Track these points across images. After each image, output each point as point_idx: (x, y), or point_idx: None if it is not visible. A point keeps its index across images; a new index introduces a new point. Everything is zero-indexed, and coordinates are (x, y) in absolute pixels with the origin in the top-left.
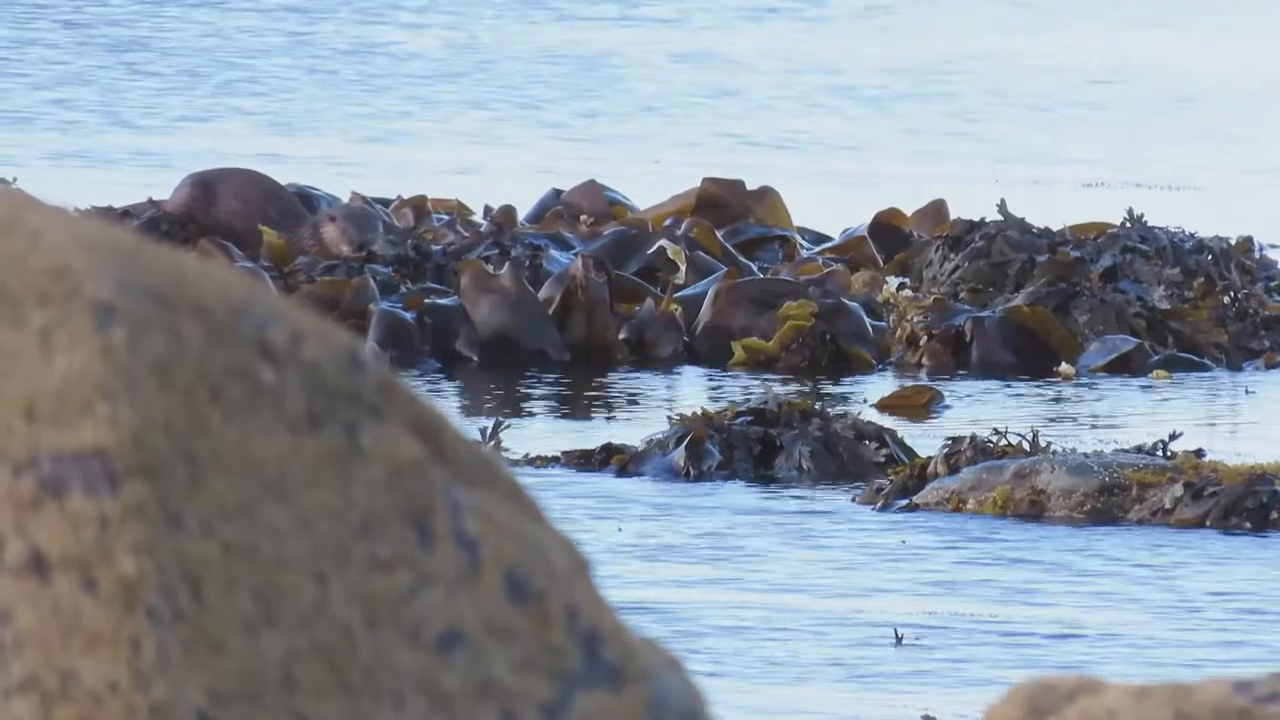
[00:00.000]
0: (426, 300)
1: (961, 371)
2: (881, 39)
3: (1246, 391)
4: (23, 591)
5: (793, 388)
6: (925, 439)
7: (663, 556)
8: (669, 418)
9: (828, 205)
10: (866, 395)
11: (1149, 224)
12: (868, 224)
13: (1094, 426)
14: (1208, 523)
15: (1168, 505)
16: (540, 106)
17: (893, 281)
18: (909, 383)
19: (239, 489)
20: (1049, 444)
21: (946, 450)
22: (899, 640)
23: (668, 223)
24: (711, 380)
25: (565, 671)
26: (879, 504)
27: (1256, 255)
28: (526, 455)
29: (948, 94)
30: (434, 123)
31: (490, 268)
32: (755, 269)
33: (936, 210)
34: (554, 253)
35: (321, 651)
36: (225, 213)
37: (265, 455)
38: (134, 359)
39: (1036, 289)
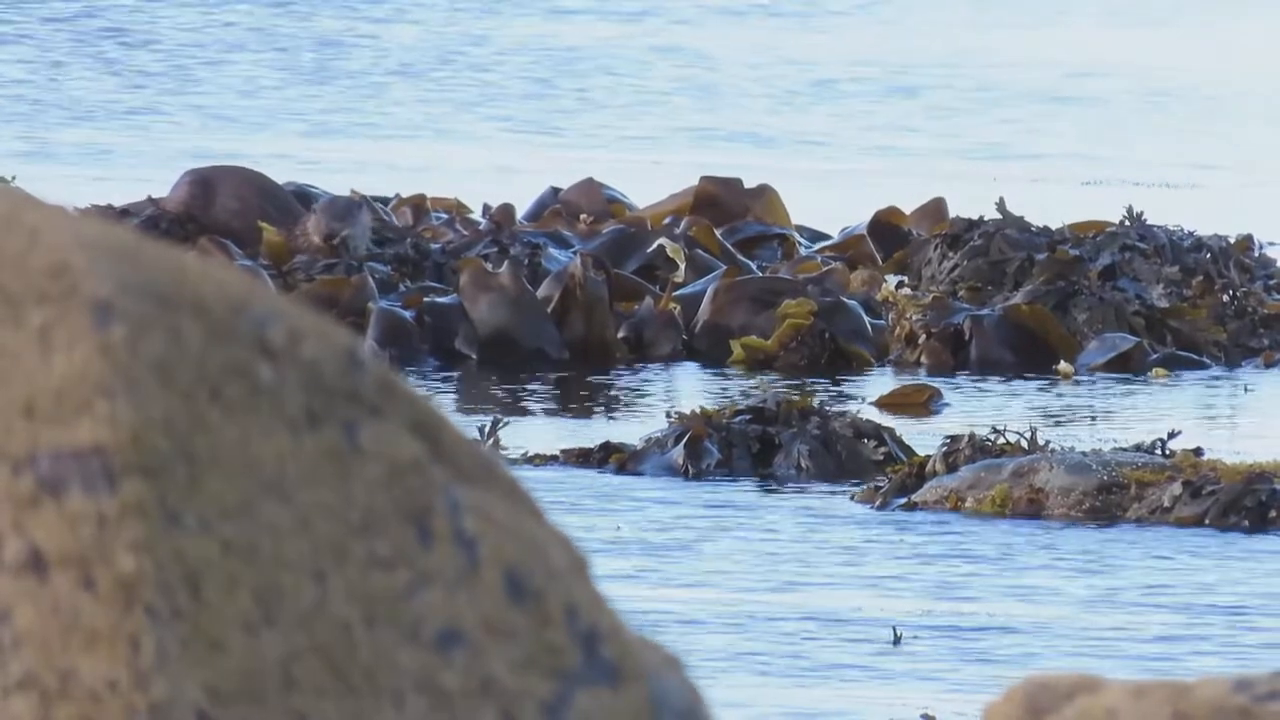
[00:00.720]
0: (425, 299)
1: (960, 370)
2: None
3: (1245, 390)
4: (21, 590)
5: (792, 385)
6: (924, 437)
7: (661, 555)
8: (668, 416)
9: (826, 203)
10: (865, 394)
11: (1148, 222)
12: (866, 222)
13: (1093, 425)
14: (1206, 521)
15: (1166, 504)
16: (539, 105)
17: (891, 280)
18: (908, 381)
19: (238, 487)
20: (1048, 442)
21: (945, 449)
22: (898, 639)
23: (666, 221)
24: (710, 379)
25: (564, 670)
26: (877, 502)
27: (1255, 253)
28: (525, 454)
29: (946, 92)
30: (433, 122)
31: (489, 266)
32: (754, 267)
33: (935, 209)
34: (553, 251)
35: (321, 650)
36: (223, 211)
37: (264, 454)
38: (133, 357)
39: (1035, 287)
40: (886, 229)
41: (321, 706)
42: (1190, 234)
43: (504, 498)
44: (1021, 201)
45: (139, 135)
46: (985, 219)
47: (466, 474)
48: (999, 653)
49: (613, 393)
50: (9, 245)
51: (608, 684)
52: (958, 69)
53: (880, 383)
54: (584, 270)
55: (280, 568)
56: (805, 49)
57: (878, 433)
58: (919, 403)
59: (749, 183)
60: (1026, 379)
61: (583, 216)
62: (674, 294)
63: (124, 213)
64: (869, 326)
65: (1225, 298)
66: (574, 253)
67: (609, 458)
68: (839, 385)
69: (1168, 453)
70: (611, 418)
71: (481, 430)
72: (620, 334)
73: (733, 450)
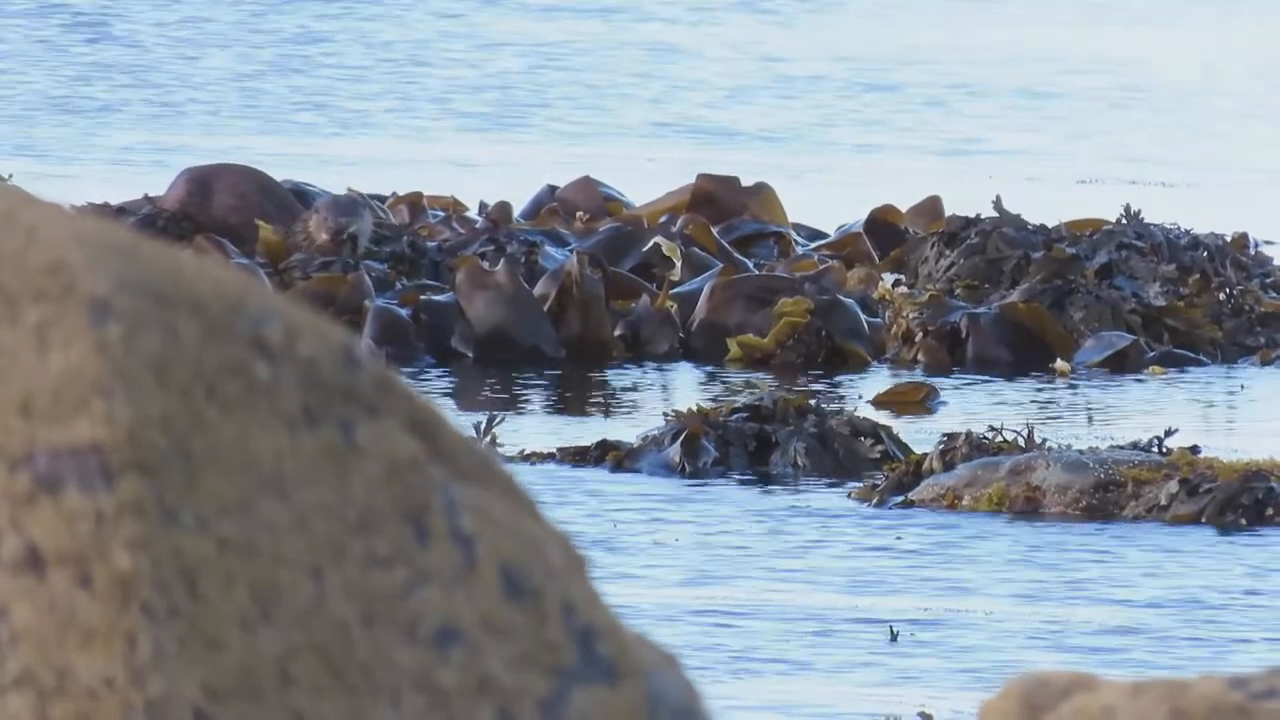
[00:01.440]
0: (422, 297)
1: (957, 368)
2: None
3: (1242, 387)
4: (18, 587)
5: (788, 383)
6: (920, 435)
7: (657, 552)
8: (664, 414)
9: (823, 201)
10: (862, 392)
11: (1144, 220)
12: (863, 220)
13: (1089, 423)
14: (1203, 519)
15: (1163, 501)
16: (537, 102)
17: (888, 278)
18: (904, 379)
19: (235, 485)
20: (1044, 440)
21: (942, 447)
22: (894, 637)
23: (663, 219)
24: (707, 377)
25: (562, 668)
26: (874, 500)
27: (1252, 251)
28: (522, 451)
29: (943, 90)
30: (432, 121)
31: (485, 264)
32: (750, 265)
33: (932, 207)
34: (549, 249)
35: (318, 648)
36: (220, 209)
37: (261, 452)
38: (130, 355)
39: (1032, 285)
40: (883, 227)
41: (319, 704)
42: (1187, 232)
43: (501, 496)
44: (1017, 200)
45: (137, 134)
46: (982, 217)
47: (464, 472)
48: (996, 651)
49: (609, 391)
50: (6, 243)
51: (605, 682)
52: (955, 66)
53: (877, 381)
54: (581, 268)
55: (278, 566)
56: (803, 47)
57: (875, 431)
58: (916, 401)
59: (746, 181)
60: (1023, 377)
61: (579, 214)
62: (670, 292)
63: (121, 211)
64: (865, 325)
65: (1222, 296)
66: (570, 251)
67: (605, 456)
68: (836, 383)
69: (1164, 450)
70: (608, 416)
71: (478, 428)
72: (617, 332)
73: (729, 448)
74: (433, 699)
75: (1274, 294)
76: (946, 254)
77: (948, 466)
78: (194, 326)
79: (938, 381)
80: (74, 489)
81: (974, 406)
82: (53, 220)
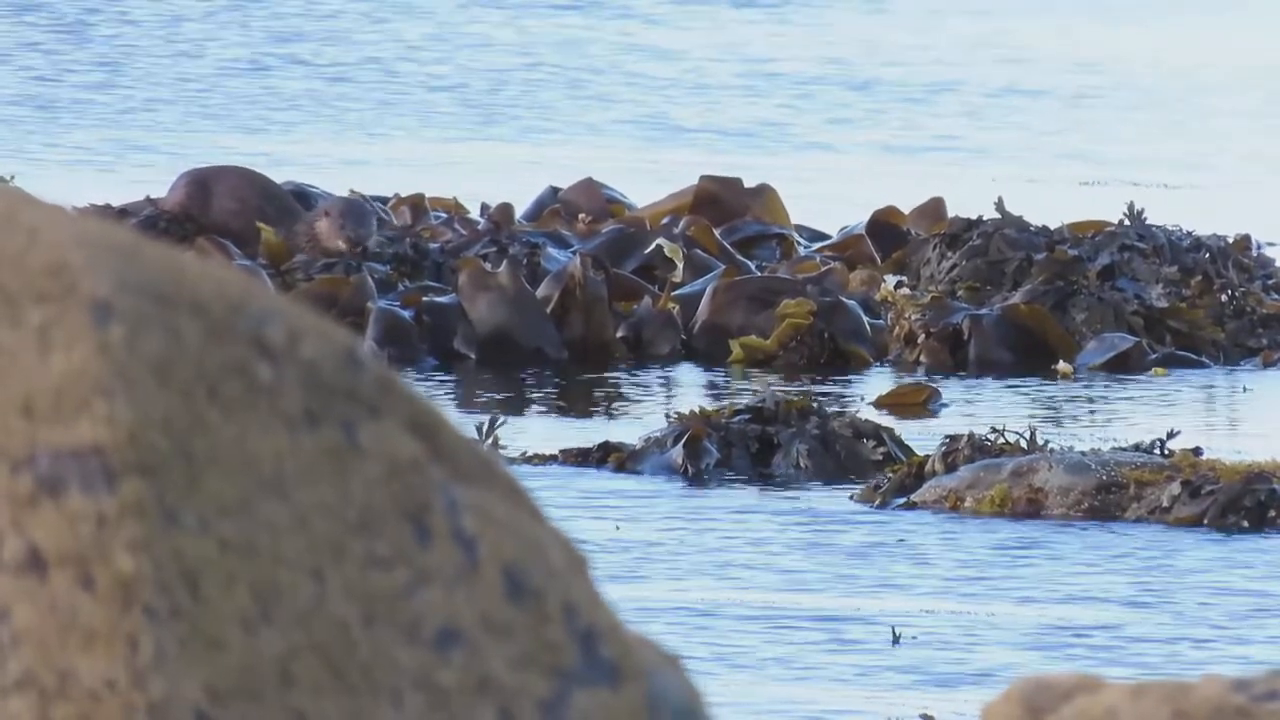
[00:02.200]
0: (424, 298)
1: (959, 370)
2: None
3: (1244, 389)
4: (20, 589)
5: (791, 385)
6: (923, 437)
7: (659, 554)
8: (667, 416)
9: (825, 203)
10: (864, 393)
11: (1147, 222)
12: (865, 222)
13: (1092, 425)
14: (1205, 521)
15: (1165, 503)
16: (537, 102)
17: (890, 279)
18: (907, 381)
19: (236, 486)
20: (1047, 442)
21: (944, 448)
22: (897, 639)
23: (665, 221)
24: (709, 378)
25: (563, 669)
26: (876, 502)
27: (1254, 253)
28: (524, 453)
29: (944, 91)
30: (433, 122)
31: (488, 266)
32: (753, 267)
33: (934, 208)
34: (552, 251)
35: (319, 649)
36: (221, 211)
37: (263, 453)
38: (131, 356)
39: (1034, 287)
40: (885, 229)
41: (320, 705)
42: (1189, 234)
43: (503, 497)
44: (1020, 201)
45: (137, 135)
46: (984, 219)
47: (465, 473)
48: (998, 653)
49: (611, 392)
50: (8, 244)
51: (606, 683)
52: (957, 66)
53: (879, 382)
54: (583, 270)
55: (279, 566)
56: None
57: (877, 432)
58: (918, 402)
59: (748, 182)
60: (1025, 379)
61: (581, 216)
62: (673, 294)
63: (122, 212)
64: (868, 326)
65: (1224, 297)
66: (573, 252)
67: (608, 457)
68: (838, 385)
69: (1167, 452)
70: (610, 417)
71: (480, 429)
72: (619, 334)
73: (732, 450)
74: (433, 699)
75: (1276, 295)
76: (949, 255)
77: (950, 468)
78: (196, 327)
79: (940, 383)
80: (76, 490)
81: (976, 408)
82: (54, 221)
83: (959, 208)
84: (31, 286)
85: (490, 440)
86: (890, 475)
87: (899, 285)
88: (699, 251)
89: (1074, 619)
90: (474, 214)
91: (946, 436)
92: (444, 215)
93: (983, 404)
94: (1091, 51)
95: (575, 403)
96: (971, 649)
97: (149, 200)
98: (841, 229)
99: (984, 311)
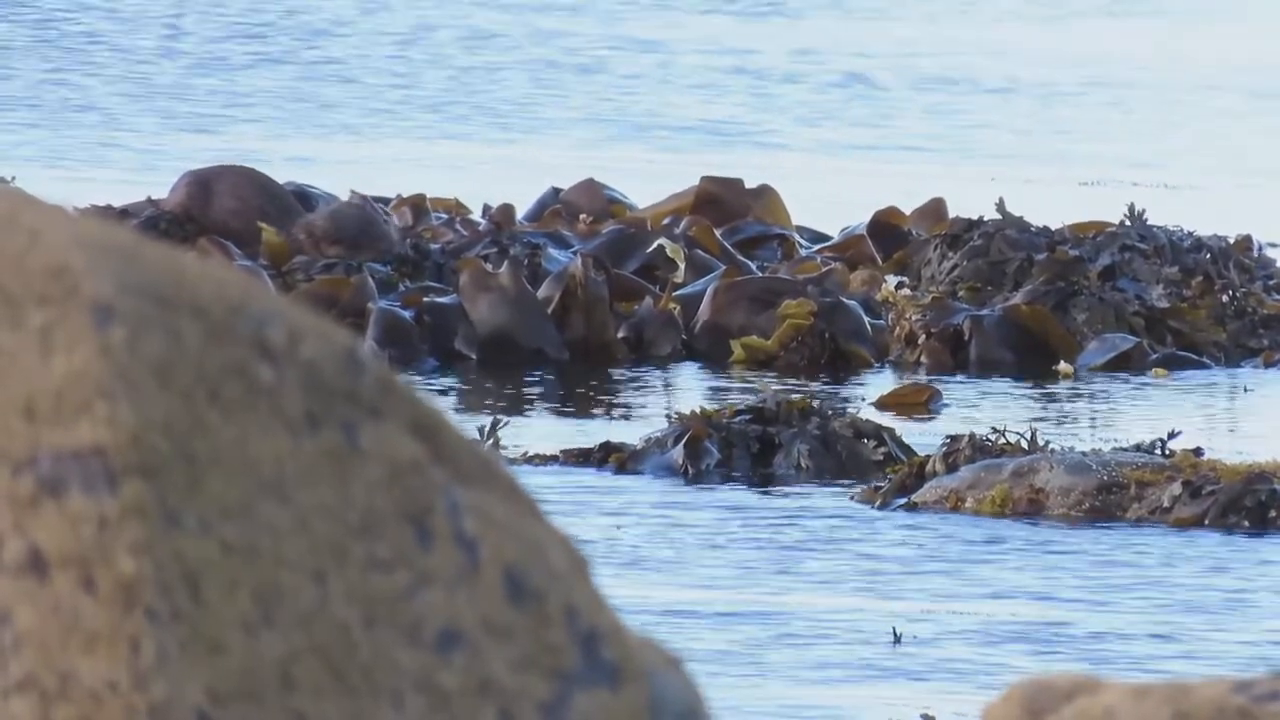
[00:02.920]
0: (425, 299)
1: (960, 370)
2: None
3: (1245, 390)
4: (22, 591)
5: (791, 386)
6: (924, 437)
7: (660, 555)
8: (668, 416)
9: (826, 203)
10: (865, 394)
11: (1148, 222)
12: (866, 222)
13: (1092, 425)
14: (1206, 521)
15: (1166, 504)
16: (540, 103)
17: (891, 280)
18: (907, 381)
19: (238, 488)
20: (1047, 442)
21: (945, 449)
22: (897, 639)
23: (666, 221)
24: (710, 379)
25: (564, 670)
26: (877, 502)
27: (1255, 254)
28: (525, 453)
29: (945, 91)
30: (434, 122)
31: (489, 266)
32: (754, 267)
33: (935, 209)
34: (553, 251)
35: (320, 651)
36: (222, 211)
37: (264, 455)
38: (133, 358)
39: (1035, 287)
40: (886, 229)
41: (321, 707)
42: (1190, 234)
43: (504, 498)
44: (1021, 202)
45: (138, 135)
46: (985, 219)
47: (466, 474)
48: (999, 653)
49: (613, 393)
50: (9, 246)
51: (607, 684)
52: (958, 66)
53: (880, 383)
54: (584, 270)
55: (280, 568)
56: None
57: (878, 433)
58: (919, 403)
59: (749, 183)
60: (1026, 379)
61: (583, 216)
62: (674, 294)
63: (123, 213)
64: (869, 327)
65: (1225, 298)
66: (574, 253)
67: (609, 458)
68: (839, 386)
69: (1168, 453)
70: (611, 418)
71: (481, 430)
72: (620, 334)
73: (733, 450)
74: (434, 701)
75: (1277, 296)
76: (949, 256)
77: (951, 468)
78: (196, 329)
79: (941, 383)
80: (77, 492)
81: (977, 409)
82: (55, 223)
83: (960, 208)
84: (33, 288)
85: (491, 441)
86: (891, 475)
87: (900, 286)
88: (700, 252)
89: (1075, 619)
90: (475, 214)
91: (947, 437)
92: (445, 216)
93: (984, 404)
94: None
95: (576, 403)
96: (972, 649)
97: (150, 201)
98: (842, 229)
99: (985, 312)
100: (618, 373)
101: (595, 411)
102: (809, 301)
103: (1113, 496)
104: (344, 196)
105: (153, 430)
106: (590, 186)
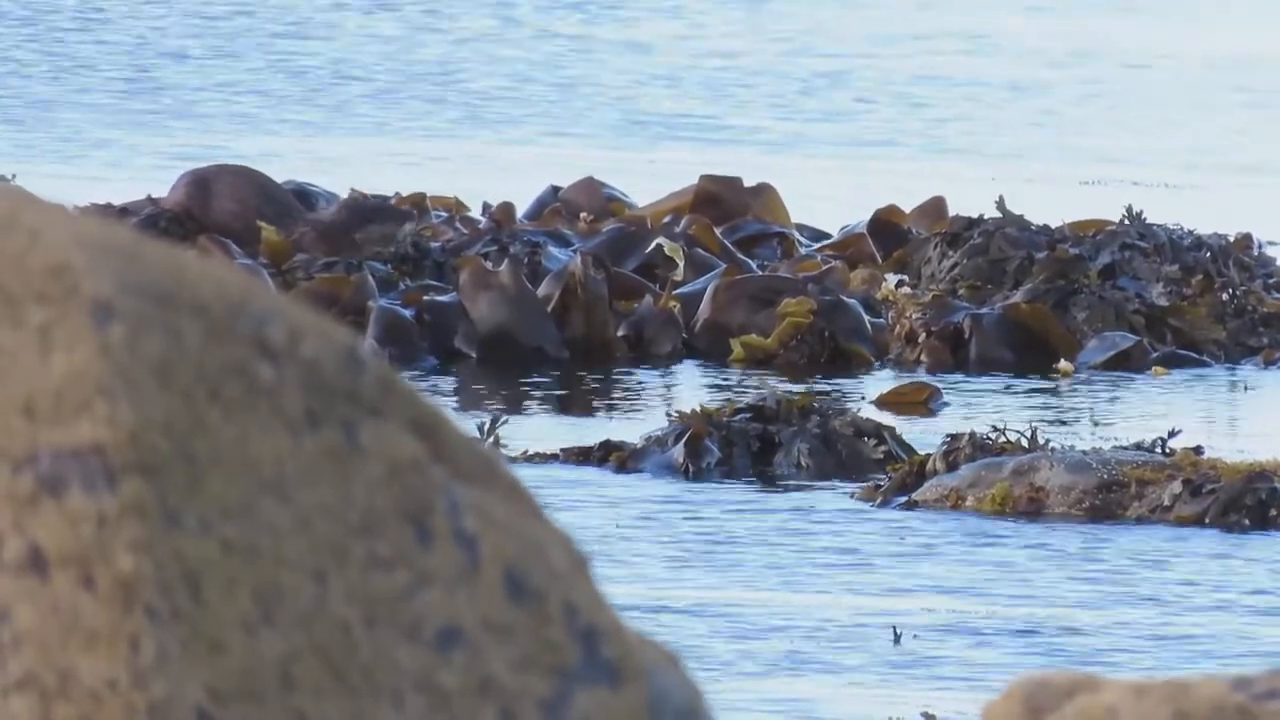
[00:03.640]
0: (425, 297)
1: (960, 369)
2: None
3: (1245, 388)
4: (21, 589)
5: (792, 384)
6: (924, 436)
7: (660, 554)
8: (668, 415)
9: (826, 202)
10: (865, 392)
11: (1147, 221)
12: (866, 221)
13: (1093, 423)
14: (1207, 520)
15: (1166, 502)
16: (540, 102)
17: (891, 279)
18: (908, 380)
19: (238, 487)
20: (1048, 441)
21: (945, 447)
22: (897, 638)
23: (666, 220)
24: (710, 377)
25: (564, 669)
26: (878, 501)
27: (1255, 252)
28: (525, 452)
29: (946, 90)
30: (434, 121)
31: (489, 265)
32: (754, 266)
33: (935, 207)
34: (552, 250)
35: (320, 650)
36: (221, 210)
37: (264, 454)
38: (132, 357)
39: (1035, 286)
40: (886, 228)
41: (321, 706)
42: (1190, 232)
43: (504, 497)
44: (1021, 200)
45: (138, 134)
46: (985, 218)
47: (466, 473)
48: (999, 651)
49: (613, 391)
50: (9, 245)
51: (607, 683)
52: (958, 65)
53: (880, 381)
54: (584, 269)
55: (280, 567)
56: (799, 45)
57: (878, 431)
58: (919, 401)
59: (749, 181)
60: (1026, 378)
61: (583, 215)
62: (674, 293)
63: (123, 212)
64: (869, 325)
65: (1225, 296)
66: (574, 251)
67: (609, 456)
68: (839, 384)
69: (1168, 451)
70: (611, 416)
71: (481, 429)
72: (620, 333)
73: (733, 449)
74: (434, 700)
75: (1277, 294)
76: (949, 254)
77: (951, 467)
78: (196, 328)
79: (941, 382)
80: (77, 490)
81: (977, 407)
82: (55, 222)
83: (960, 207)
84: (33, 287)
85: (491, 439)
86: (891, 474)
87: (900, 284)
88: (700, 250)
89: (1075, 618)
90: (475, 213)
91: (947, 435)
92: (445, 214)
93: (984, 403)
94: (1093, 49)
95: (576, 402)
96: (972, 648)
97: (150, 200)
98: (842, 228)
99: (985, 310)
100: (617, 371)
101: (595, 410)
102: (809, 300)
103: (1113, 495)
104: (344, 196)
105: (152, 429)
106: (590, 185)
